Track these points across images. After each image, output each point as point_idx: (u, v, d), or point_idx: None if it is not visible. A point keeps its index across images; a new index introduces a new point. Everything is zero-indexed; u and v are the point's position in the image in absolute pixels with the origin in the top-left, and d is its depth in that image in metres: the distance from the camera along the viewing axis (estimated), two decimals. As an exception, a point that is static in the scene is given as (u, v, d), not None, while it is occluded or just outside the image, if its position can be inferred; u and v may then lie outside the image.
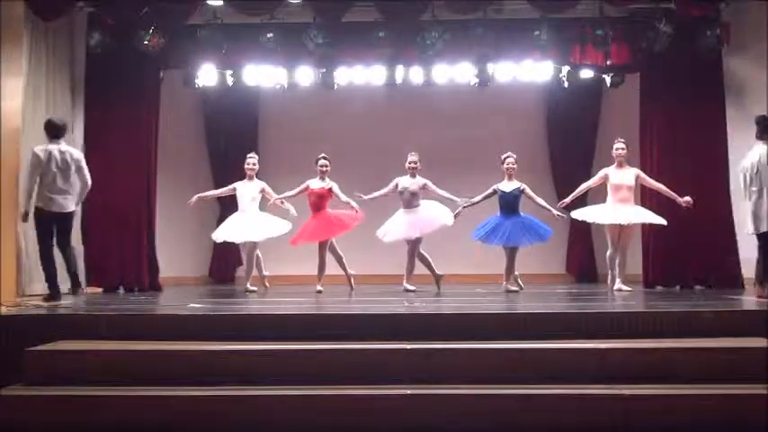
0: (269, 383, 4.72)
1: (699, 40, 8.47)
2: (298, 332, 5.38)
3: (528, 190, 7.97)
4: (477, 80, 9.72)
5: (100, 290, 8.66)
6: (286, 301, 7.04)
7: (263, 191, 8.41)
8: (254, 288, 8.32)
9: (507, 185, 7.94)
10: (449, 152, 9.96)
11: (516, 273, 8.08)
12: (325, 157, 8.17)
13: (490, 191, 7.99)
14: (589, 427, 4.39)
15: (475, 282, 9.13)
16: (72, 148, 7.26)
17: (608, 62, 8.96)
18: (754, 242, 7.25)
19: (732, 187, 8.45)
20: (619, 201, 7.84)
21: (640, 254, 8.66)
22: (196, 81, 9.92)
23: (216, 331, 5.43)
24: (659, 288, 8.44)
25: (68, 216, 7.10)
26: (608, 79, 9.75)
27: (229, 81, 9.80)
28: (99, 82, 8.86)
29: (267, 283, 8.68)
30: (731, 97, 8.80)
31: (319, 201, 8.07)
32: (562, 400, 4.49)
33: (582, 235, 10.29)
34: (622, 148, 7.93)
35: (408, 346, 4.99)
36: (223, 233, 8.42)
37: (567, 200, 8.07)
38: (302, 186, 8.20)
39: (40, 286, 8.10)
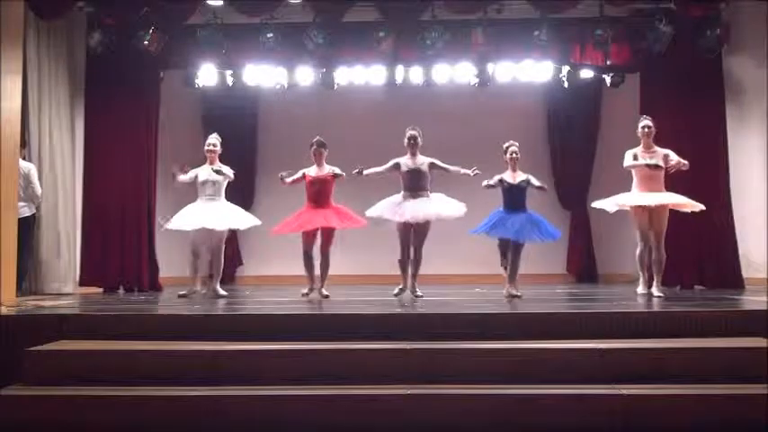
0: (269, 383, 4.73)
1: (699, 40, 8.48)
2: (298, 332, 5.38)
3: (534, 180, 7.30)
4: (477, 80, 9.72)
5: (100, 290, 8.67)
6: (286, 302, 7.03)
7: (226, 177, 7.49)
8: (225, 293, 7.53)
9: (513, 177, 7.23)
10: (448, 152, 9.88)
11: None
12: (321, 142, 7.37)
13: (496, 180, 7.20)
14: (589, 427, 4.39)
15: (475, 282, 9.13)
16: (24, 162, 7.66)
17: (608, 62, 8.96)
18: (754, 242, 7.25)
19: (732, 187, 8.46)
20: (646, 189, 7.01)
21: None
22: (196, 81, 9.92)
23: (216, 331, 5.43)
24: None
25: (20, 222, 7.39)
26: (608, 79, 9.75)
27: (229, 81, 9.81)
28: (99, 82, 8.86)
29: (199, 286, 7.71)
30: (731, 97, 8.80)
31: (322, 189, 7.21)
32: (562, 400, 4.49)
33: (582, 235, 10.30)
34: (649, 126, 7.10)
35: (408, 346, 4.99)
36: (179, 222, 7.37)
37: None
38: (297, 175, 7.33)
39: (41, 286, 8.16)
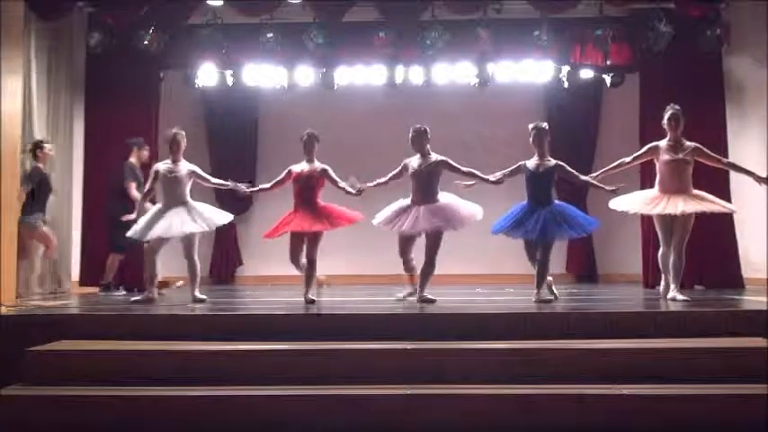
0: (269, 383, 4.73)
1: (699, 40, 8.48)
2: (297, 332, 5.39)
3: (566, 167, 6.57)
4: (477, 80, 9.72)
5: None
6: (286, 302, 7.03)
7: (192, 175, 6.97)
8: (204, 297, 7.02)
9: (536, 164, 6.56)
10: (448, 152, 9.89)
11: (550, 278, 6.72)
12: (312, 134, 6.87)
13: (515, 167, 6.62)
14: (589, 427, 4.38)
15: (475, 282, 9.12)
16: None
17: (608, 62, 8.96)
18: (754, 242, 7.23)
19: (732, 187, 8.46)
20: (671, 187, 6.50)
21: (640, 254, 8.66)
22: (196, 81, 9.92)
23: (215, 331, 5.44)
24: (659, 288, 8.42)
25: None
26: (608, 79, 9.75)
27: (229, 81, 9.80)
28: (99, 82, 8.87)
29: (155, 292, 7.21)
30: (731, 97, 8.81)
31: (308, 187, 6.70)
32: (562, 400, 4.49)
33: (582, 235, 10.29)
34: (676, 117, 6.54)
35: (408, 346, 4.99)
36: (148, 228, 6.80)
37: (597, 174, 6.84)
38: (282, 175, 6.82)
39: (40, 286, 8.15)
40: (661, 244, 6.69)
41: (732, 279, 8.34)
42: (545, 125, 6.74)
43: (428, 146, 6.73)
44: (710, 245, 8.39)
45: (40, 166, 7.69)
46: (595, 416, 4.41)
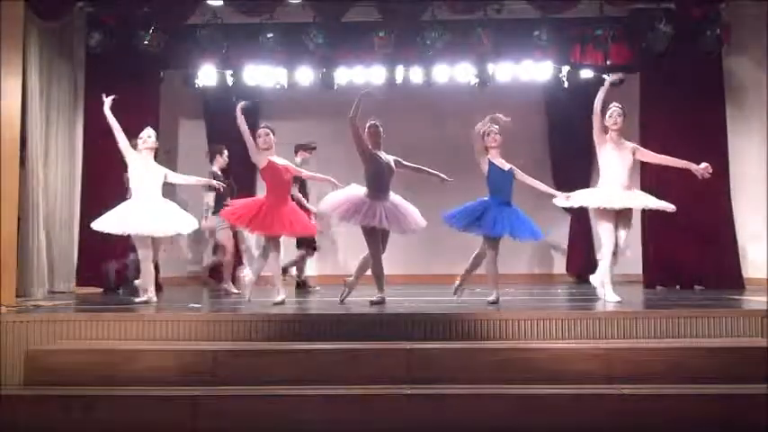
0: (268, 384, 4.73)
1: (699, 40, 8.49)
2: (297, 332, 5.39)
3: (519, 173, 6.62)
4: (477, 80, 9.72)
5: (100, 290, 8.66)
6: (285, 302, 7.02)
7: (166, 177, 7.06)
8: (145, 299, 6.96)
9: (504, 163, 6.57)
10: (448, 152, 9.94)
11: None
12: (268, 126, 6.86)
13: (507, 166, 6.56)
14: (589, 427, 4.39)
15: (474, 282, 9.10)
16: None
17: (608, 62, 8.97)
18: (754, 242, 7.23)
19: (732, 187, 8.46)
20: (614, 182, 6.47)
21: (640, 254, 8.66)
22: (196, 81, 9.92)
23: (214, 331, 5.44)
24: (659, 288, 8.43)
25: None
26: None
27: (229, 81, 9.80)
28: (99, 82, 8.83)
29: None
30: (731, 97, 8.81)
31: (286, 183, 6.70)
32: (562, 400, 4.50)
33: (582, 235, 10.28)
34: (620, 114, 6.50)
35: (408, 346, 4.99)
36: (127, 223, 6.80)
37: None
38: (264, 157, 6.63)
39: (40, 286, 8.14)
40: (609, 251, 6.50)
41: (732, 279, 8.35)
42: (496, 126, 6.60)
43: None
44: (710, 245, 8.40)
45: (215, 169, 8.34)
46: (595, 416, 4.42)
